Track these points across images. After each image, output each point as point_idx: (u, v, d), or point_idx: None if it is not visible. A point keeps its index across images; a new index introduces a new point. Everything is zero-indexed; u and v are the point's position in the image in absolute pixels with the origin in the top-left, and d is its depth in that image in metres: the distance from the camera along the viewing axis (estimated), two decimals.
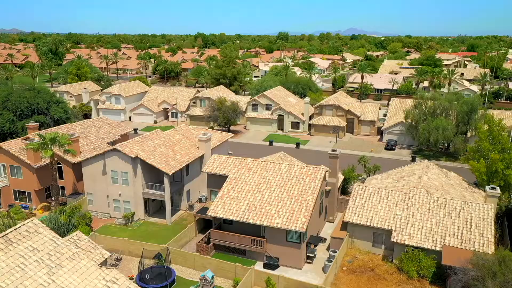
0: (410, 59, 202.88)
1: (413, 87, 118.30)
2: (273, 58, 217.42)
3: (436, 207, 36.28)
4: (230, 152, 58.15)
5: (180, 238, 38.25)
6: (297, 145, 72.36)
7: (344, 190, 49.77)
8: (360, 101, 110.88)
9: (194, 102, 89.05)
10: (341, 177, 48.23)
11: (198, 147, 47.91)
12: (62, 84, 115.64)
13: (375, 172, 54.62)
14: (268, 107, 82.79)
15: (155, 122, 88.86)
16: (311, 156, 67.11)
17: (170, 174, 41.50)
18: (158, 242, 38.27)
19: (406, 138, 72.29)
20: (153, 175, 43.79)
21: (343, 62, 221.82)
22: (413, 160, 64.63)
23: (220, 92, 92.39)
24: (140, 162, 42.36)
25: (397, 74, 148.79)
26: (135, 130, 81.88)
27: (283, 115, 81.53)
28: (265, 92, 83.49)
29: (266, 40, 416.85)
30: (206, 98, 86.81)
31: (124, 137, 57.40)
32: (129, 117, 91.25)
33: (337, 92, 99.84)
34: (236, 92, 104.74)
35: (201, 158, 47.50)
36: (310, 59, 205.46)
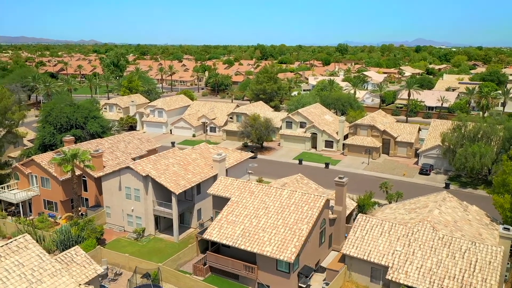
0: (474, 74, 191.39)
1: (467, 106, 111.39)
2: (327, 71, 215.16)
3: (439, 245, 34.11)
4: (250, 171, 58.70)
5: (179, 258, 39.28)
6: (327, 165, 71.10)
7: None
8: (406, 120, 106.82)
9: (231, 118, 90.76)
10: (353, 204, 46.84)
11: (212, 167, 48.96)
12: (117, 96, 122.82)
13: (397, 199, 52.40)
14: (302, 125, 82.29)
15: (193, 135, 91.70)
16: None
17: (177, 193, 42.82)
18: (161, 259, 39.61)
19: (443, 162, 68.36)
20: (164, 193, 45.39)
21: (400, 76, 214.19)
22: (447, 187, 60.96)
23: (258, 108, 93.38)
24: (151, 180, 44.18)
25: (454, 90, 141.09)
26: (173, 143, 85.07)
27: (316, 133, 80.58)
28: (299, 110, 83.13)
29: (326, 51, 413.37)
30: (243, 114, 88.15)
31: (152, 152, 59.96)
32: (170, 130, 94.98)
33: (382, 108, 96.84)
34: (276, 108, 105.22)
35: (214, 177, 48.42)
36: (364, 72, 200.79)
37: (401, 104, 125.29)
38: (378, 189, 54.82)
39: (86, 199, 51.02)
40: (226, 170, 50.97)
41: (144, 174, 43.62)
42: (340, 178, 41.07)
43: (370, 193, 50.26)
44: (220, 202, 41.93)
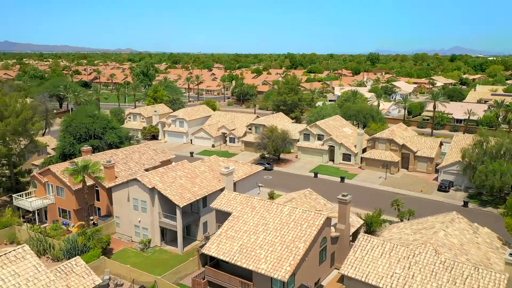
0: (510, 84, 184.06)
1: (496, 119, 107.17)
2: (355, 81, 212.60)
3: (441, 270, 32.91)
4: (260, 184, 58.69)
5: (179, 271, 39.71)
6: (342, 179, 70.11)
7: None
8: (431, 133, 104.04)
9: (250, 129, 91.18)
10: (359, 222, 45.95)
11: (220, 180, 49.35)
12: (144, 105, 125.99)
13: (408, 217, 50.98)
14: (320, 137, 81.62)
15: (213, 146, 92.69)
16: (352, 192, 64.42)
17: (181, 206, 43.42)
18: (164, 271, 40.16)
19: (464, 179, 65.97)
20: (170, 205, 46.04)
21: (431, 87, 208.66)
22: (465, 205, 58.84)
23: (277, 120, 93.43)
24: (157, 193, 45.02)
25: (486, 102, 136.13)
26: (191, 153, 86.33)
27: (334, 146, 79.69)
28: (317, 122, 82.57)
29: (357, 60, 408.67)
30: (261, 125, 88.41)
31: (166, 163, 61.01)
32: (191, 140, 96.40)
33: (408, 120, 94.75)
34: (297, 119, 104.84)
35: (221, 191, 48.71)
36: (394, 82, 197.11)
37: (427, 116, 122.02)
38: (400, 202, 53.36)
39: (99, 209, 52.54)
40: (235, 183, 51.30)
41: (150, 186, 44.52)
42: (343, 195, 40.47)
43: (379, 211, 49.17)
44: (222, 216, 42.17)
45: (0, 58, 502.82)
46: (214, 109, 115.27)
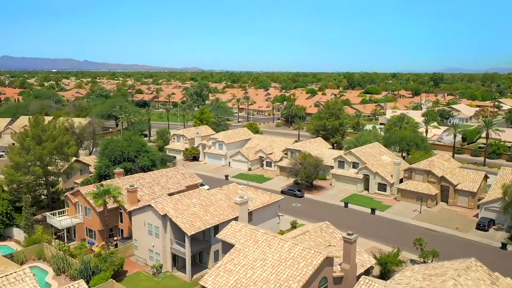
0: None
1: None
2: (411, 103, 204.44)
3: None
4: (280, 214, 58.17)
5: None
6: (373, 211, 67.44)
7: (382, 277, 44.81)
8: (484, 162, 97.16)
9: (285, 153, 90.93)
10: (371, 261, 43.85)
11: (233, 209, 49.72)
12: (192, 126, 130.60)
13: (432, 259, 47.82)
14: (355, 165, 79.37)
15: (249, 169, 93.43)
16: (381, 226, 62.05)
17: (189, 234, 44.28)
18: None
19: (507, 218, 60.63)
20: (182, 232, 46.92)
21: (496, 110, 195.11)
22: (503, 247, 54.07)
23: (315, 145, 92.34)
24: (169, 220, 46.32)
25: None
26: (226, 176, 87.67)
27: (369, 175, 77.04)
28: (352, 150, 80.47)
29: (420, 80, 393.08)
30: (297, 150, 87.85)
31: (193, 187, 62.57)
32: (229, 163, 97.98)
33: (462, 148, 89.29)
34: (338, 144, 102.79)
35: (235, 219, 49.01)
36: (454, 105, 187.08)
37: (483, 143, 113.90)
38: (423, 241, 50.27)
39: (122, 230, 54.99)
40: (251, 212, 51.47)
41: (162, 213, 45.94)
42: (348, 234, 39.03)
43: (397, 250, 46.62)
44: (227, 247, 42.31)
45: (77, 77, 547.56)
46: (256, 132, 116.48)
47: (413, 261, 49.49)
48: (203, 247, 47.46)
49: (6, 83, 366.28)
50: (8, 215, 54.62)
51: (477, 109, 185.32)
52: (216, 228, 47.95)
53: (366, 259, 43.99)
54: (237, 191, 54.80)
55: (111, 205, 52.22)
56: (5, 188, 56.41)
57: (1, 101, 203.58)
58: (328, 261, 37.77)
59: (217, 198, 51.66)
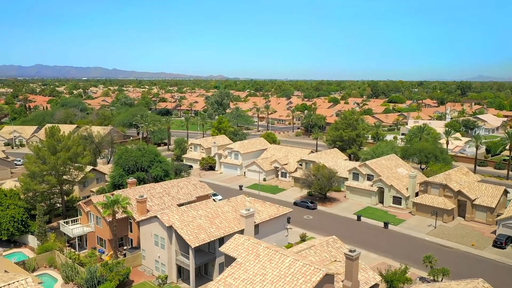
0: None
1: None
2: (435, 113, 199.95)
3: None
4: (288, 227, 57.78)
5: None
6: (385, 225, 66.09)
7: None
8: (507, 176, 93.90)
9: (300, 164, 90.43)
10: (375, 278, 42.88)
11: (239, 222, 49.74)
12: (209, 135, 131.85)
13: (442, 278, 46.43)
14: (369, 177, 78.12)
15: (264, 180, 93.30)
16: (393, 241, 60.72)
17: (193, 246, 44.53)
18: None
19: None
20: (187, 244, 47.33)
21: None
22: None
23: (330, 156, 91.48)
24: (174, 231, 46.75)
25: None
26: (240, 187, 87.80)
27: (383, 188, 75.65)
28: (367, 162, 79.27)
29: (447, 89, 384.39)
30: (311, 162, 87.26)
31: (203, 198, 62.96)
32: (244, 173, 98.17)
33: (486, 160, 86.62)
34: (354, 156, 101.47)
35: (241, 232, 49.03)
36: (480, 115, 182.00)
37: (508, 155, 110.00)
38: (433, 259, 48.92)
39: (132, 240, 55.82)
40: (258, 225, 51.35)
41: (168, 225, 46.43)
42: (350, 251, 38.40)
43: (405, 267, 45.49)
44: (229, 261, 42.33)
45: (105, 85, 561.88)
46: (273, 141, 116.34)
47: (422, 279, 48.20)
48: (208, 259, 47.62)
49: (37, 91, 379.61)
50: (24, 223, 56.41)
51: (505, 119, 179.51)
52: (222, 241, 48.03)
53: (371, 276, 43.03)
54: (245, 203, 54.82)
55: (120, 215, 53.16)
56: (21, 196, 58.29)
57: (30, 109, 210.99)
58: (328, 278, 37.20)
59: (224, 210, 51.83)
